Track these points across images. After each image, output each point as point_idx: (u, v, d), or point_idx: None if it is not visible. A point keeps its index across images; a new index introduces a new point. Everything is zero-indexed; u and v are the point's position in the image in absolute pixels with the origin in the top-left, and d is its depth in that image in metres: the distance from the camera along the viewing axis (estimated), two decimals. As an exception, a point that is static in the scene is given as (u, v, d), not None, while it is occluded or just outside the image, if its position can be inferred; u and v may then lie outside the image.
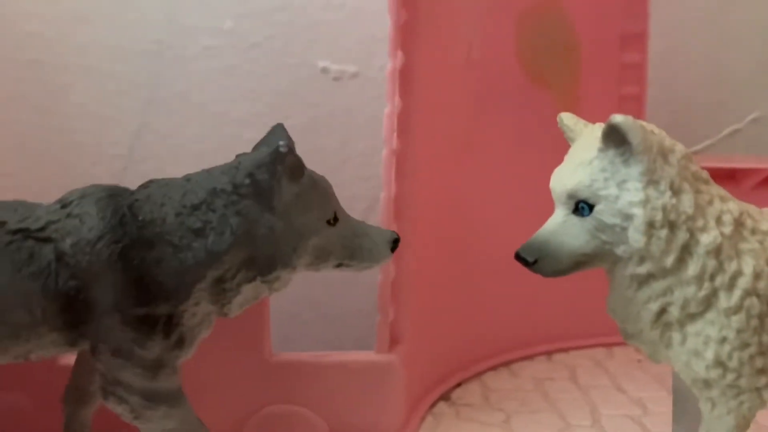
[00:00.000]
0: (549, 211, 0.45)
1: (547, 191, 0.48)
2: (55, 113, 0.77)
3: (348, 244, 0.49)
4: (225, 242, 0.46)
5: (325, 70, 0.78)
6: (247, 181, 0.46)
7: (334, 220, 0.49)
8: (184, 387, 0.49)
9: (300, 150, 0.48)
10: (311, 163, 0.49)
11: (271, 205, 0.46)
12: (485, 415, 0.63)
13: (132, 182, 0.50)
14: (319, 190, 0.48)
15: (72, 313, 0.46)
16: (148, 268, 0.46)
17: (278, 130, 0.50)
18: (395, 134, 0.56)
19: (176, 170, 0.51)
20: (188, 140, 0.77)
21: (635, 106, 0.73)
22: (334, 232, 0.49)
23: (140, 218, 0.46)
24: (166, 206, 0.47)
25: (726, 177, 0.72)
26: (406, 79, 0.56)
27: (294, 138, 0.50)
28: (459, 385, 0.68)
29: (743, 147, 0.82)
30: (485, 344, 0.71)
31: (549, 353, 0.75)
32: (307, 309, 0.81)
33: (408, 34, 0.55)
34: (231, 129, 0.77)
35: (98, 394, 0.49)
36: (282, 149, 0.46)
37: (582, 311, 0.74)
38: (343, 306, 0.81)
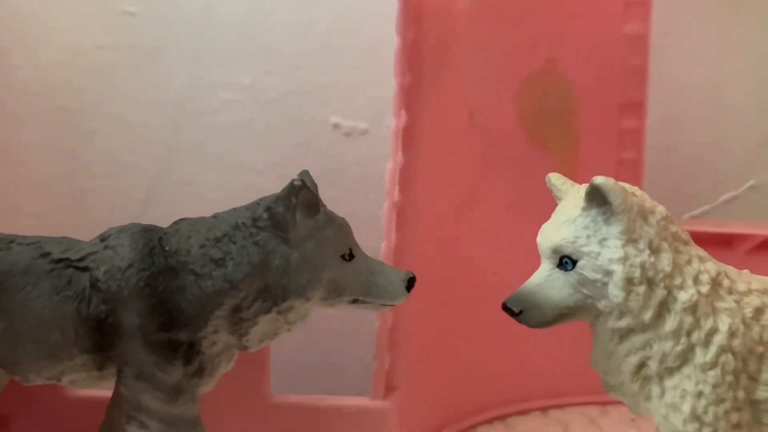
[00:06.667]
0: (543, 267, 0.48)
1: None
2: (80, 158, 0.81)
3: (363, 281, 0.51)
4: (242, 271, 0.49)
5: (337, 126, 0.81)
6: (265, 214, 0.50)
7: (349, 257, 0.51)
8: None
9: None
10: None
11: (286, 237, 0.49)
12: (477, 465, 0.65)
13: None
14: (335, 226, 0.51)
15: (101, 336, 0.50)
16: (171, 295, 0.49)
17: (303, 174, 0.52)
18: (397, 188, 0.60)
19: (192, 216, 0.54)
20: (205, 188, 0.81)
21: (633, 171, 0.75)
22: (349, 268, 0.51)
23: (167, 248, 0.50)
24: (192, 239, 0.50)
25: (722, 242, 0.74)
26: (408, 137, 0.59)
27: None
28: (454, 435, 0.70)
29: (740, 213, 0.84)
30: (480, 397, 0.73)
31: (544, 409, 0.76)
32: (307, 357, 0.83)
33: (412, 95, 0.59)
34: (246, 179, 0.81)
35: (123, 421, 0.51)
36: (296, 183, 0.49)
37: (578, 369, 0.74)
38: (342, 355, 0.83)
